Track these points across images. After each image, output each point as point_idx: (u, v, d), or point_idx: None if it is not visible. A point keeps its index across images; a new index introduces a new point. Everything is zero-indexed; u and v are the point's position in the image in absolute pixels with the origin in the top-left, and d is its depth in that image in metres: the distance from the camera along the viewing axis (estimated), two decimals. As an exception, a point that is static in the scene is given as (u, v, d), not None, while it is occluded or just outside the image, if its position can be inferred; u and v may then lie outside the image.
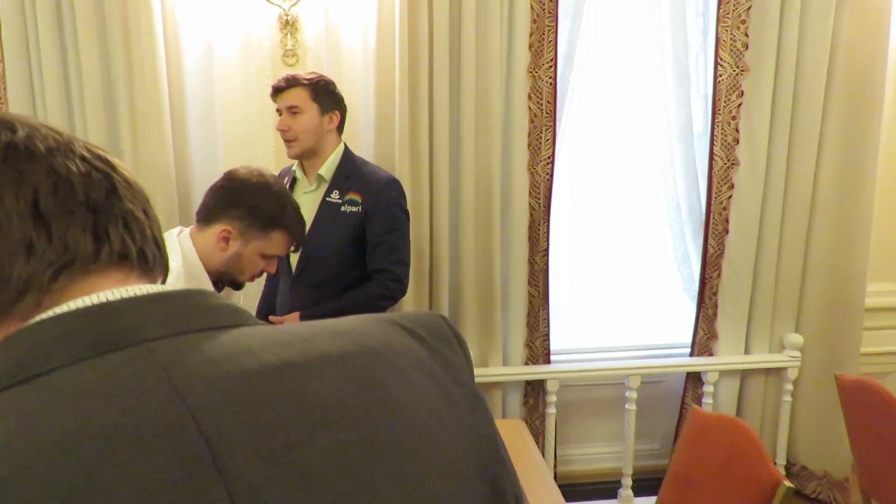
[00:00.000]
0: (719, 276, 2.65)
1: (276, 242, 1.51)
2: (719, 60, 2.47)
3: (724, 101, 2.51)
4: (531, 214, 2.52)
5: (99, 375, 0.41)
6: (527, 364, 2.62)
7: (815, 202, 2.61)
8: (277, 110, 2.04)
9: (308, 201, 2.04)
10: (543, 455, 2.63)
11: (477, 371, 2.51)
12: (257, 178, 1.49)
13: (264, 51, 2.39)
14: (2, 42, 2.16)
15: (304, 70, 2.41)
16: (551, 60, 2.40)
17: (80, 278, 0.46)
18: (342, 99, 2.07)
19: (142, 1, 2.19)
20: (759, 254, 2.61)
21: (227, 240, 1.45)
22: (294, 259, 2.07)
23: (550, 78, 2.41)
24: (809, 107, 2.51)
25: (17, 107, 2.20)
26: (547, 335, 2.62)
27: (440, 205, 2.43)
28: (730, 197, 2.58)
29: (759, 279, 2.63)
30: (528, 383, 2.66)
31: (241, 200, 1.46)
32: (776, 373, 2.71)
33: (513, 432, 1.98)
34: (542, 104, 2.43)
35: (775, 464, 2.69)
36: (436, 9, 2.29)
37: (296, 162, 2.12)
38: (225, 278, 1.52)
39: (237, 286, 1.56)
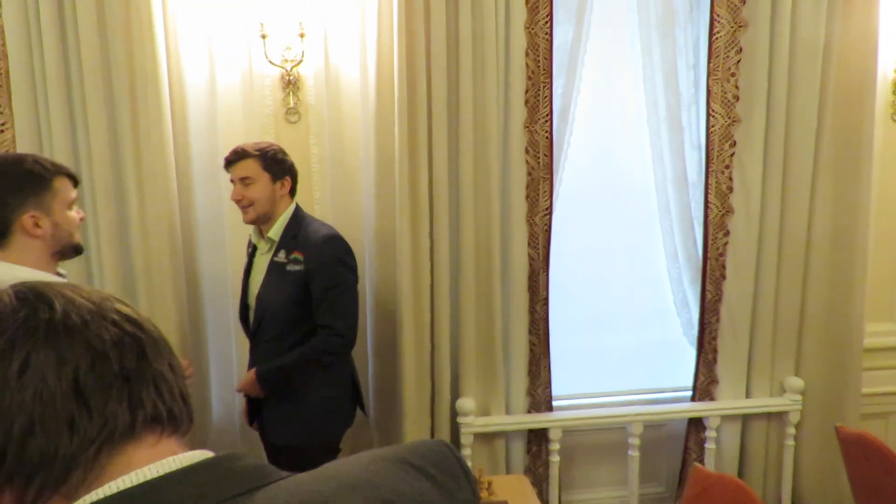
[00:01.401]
0: (718, 321, 2.67)
1: (64, 188, 1.50)
2: (711, 112, 2.54)
3: (717, 151, 2.56)
4: (530, 264, 2.55)
5: None
6: (529, 412, 2.64)
7: (810, 246, 2.65)
8: (231, 180, 2.12)
9: (262, 263, 2.16)
10: (548, 502, 2.63)
11: (479, 420, 2.53)
12: None
13: (267, 109, 2.46)
14: (12, 103, 2.22)
15: (307, 128, 2.49)
16: (547, 115, 2.46)
17: (118, 451, 0.50)
18: (292, 164, 2.16)
19: (149, 62, 2.25)
20: (757, 298, 2.64)
21: (37, 223, 1.44)
22: (252, 319, 2.20)
23: (546, 132, 2.47)
24: (801, 153, 2.57)
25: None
26: (549, 383, 2.64)
27: (441, 256, 2.46)
28: (726, 243, 2.62)
29: (757, 323, 2.66)
30: (532, 431, 2.66)
31: (7, 188, 1.43)
32: (778, 416, 2.72)
33: (515, 488, 1.99)
34: (539, 157, 2.49)
35: (780, 508, 2.70)
36: (434, 67, 2.36)
37: (252, 229, 2.21)
38: (67, 253, 1.53)
39: (79, 250, 1.58)
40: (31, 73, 2.20)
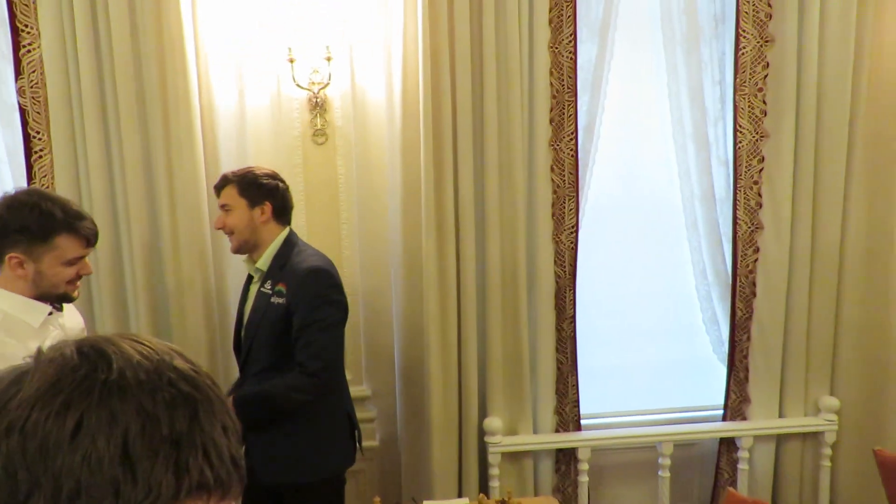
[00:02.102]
0: (749, 338, 2.63)
1: (66, 246, 1.51)
2: (738, 127, 2.51)
3: (745, 167, 2.54)
4: (557, 282, 2.54)
5: None
6: (557, 431, 2.61)
7: (843, 261, 2.60)
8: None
9: (254, 292, 2.09)
10: (577, 525, 2.59)
11: (507, 440, 2.51)
12: (9, 202, 1.50)
13: (295, 131, 2.49)
14: (50, 130, 2.28)
15: (334, 148, 2.52)
16: (572, 133, 2.46)
17: None
18: (274, 187, 2.06)
19: (181, 87, 2.30)
20: (789, 316, 2.59)
21: (20, 264, 1.48)
22: (243, 350, 2.12)
23: (571, 150, 2.47)
24: (832, 168, 2.53)
25: (63, 190, 2.30)
26: (577, 402, 2.61)
27: (467, 275, 2.47)
28: (755, 260, 2.58)
29: (789, 342, 2.61)
30: (560, 450, 2.64)
31: (7, 227, 1.47)
32: (813, 437, 2.66)
33: (546, 510, 1.97)
34: (564, 175, 2.49)
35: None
36: (459, 86, 2.38)
37: (246, 257, 2.14)
38: (49, 299, 1.55)
39: (67, 299, 1.59)
40: (69, 100, 2.26)
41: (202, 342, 2.38)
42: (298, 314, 1.96)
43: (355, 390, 2.60)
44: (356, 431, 2.18)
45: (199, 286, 2.38)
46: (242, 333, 2.14)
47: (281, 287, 2.00)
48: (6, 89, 2.29)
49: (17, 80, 2.24)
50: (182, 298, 2.35)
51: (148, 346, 0.55)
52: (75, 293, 1.60)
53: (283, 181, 2.11)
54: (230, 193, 2.03)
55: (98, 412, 0.49)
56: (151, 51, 2.25)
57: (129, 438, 0.49)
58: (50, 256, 1.49)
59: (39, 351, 0.55)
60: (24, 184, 2.30)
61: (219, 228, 2.08)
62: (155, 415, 0.51)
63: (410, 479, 2.57)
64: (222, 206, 2.05)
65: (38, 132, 2.27)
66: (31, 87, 2.25)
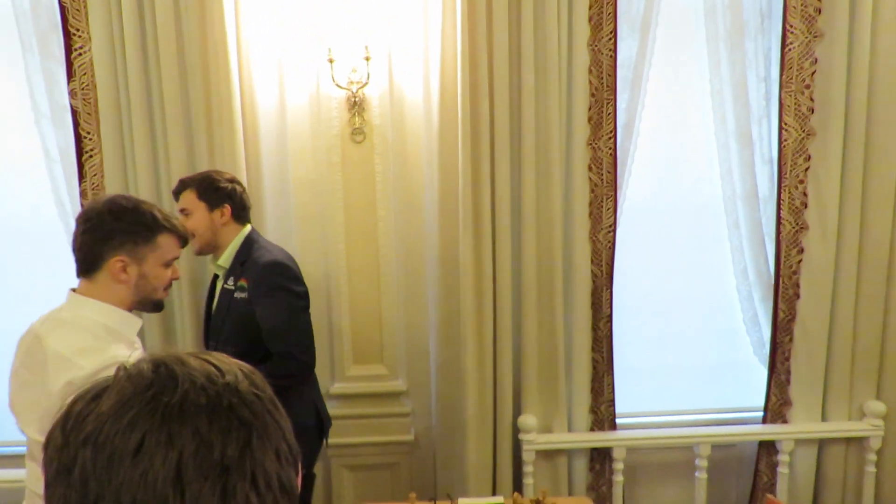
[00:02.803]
0: (791, 340, 2.57)
1: (167, 246, 1.52)
2: (784, 125, 2.45)
3: (791, 165, 2.47)
4: (594, 281, 2.53)
5: None
6: (592, 430, 2.61)
7: (892, 263, 2.52)
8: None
9: (218, 291, 2.16)
10: (611, 524, 2.59)
11: (541, 437, 2.52)
12: (109, 206, 1.48)
13: (334, 130, 2.53)
14: (100, 130, 2.36)
15: (372, 147, 2.54)
16: (611, 132, 2.43)
17: None
18: (232, 190, 2.10)
19: (223, 88, 2.34)
20: (834, 318, 2.53)
21: (124, 269, 1.46)
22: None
23: (610, 148, 2.44)
24: (882, 167, 2.45)
25: (112, 189, 2.38)
26: (612, 401, 2.60)
27: (503, 274, 2.47)
28: (800, 261, 2.52)
29: (834, 344, 2.55)
30: (595, 449, 2.63)
31: (113, 230, 1.46)
32: (857, 442, 2.60)
33: (580, 511, 1.97)
34: (602, 174, 2.46)
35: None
36: (496, 86, 2.37)
37: (210, 257, 2.18)
38: (145, 305, 1.54)
39: (159, 306, 1.58)
40: (118, 102, 2.34)
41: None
42: (263, 308, 2.01)
43: (391, 385, 2.65)
44: (324, 424, 2.23)
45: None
46: (212, 332, 2.18)
47: (243, 282, 2.06)
48: (59, 91, 2.37)
49: (69, 82, 2.33)
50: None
51: (217, 368, 0.58)
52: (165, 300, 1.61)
53: (240, 184, 2.17)
54: (189, 198, 2.06)
55: (158, 433, 0.53)
56: (195, 53, 2.31)
57: (183, 460, 0.52)
58: (153, 257, 1.49)
59: (121, 367, 0.59)
60: (75, 183, 2.38)
61: None
62: (209, 439, 0.53)
63: (445, 474, 2.60)
64: (182, 211, 2.07)
65: (88, 133, 2.35)
66: (83, 90, 2.33)
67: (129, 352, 1.37)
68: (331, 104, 2.51)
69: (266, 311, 2.01)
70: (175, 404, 0.54)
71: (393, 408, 2.66)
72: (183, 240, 1.58)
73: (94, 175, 2.37)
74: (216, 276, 2.23)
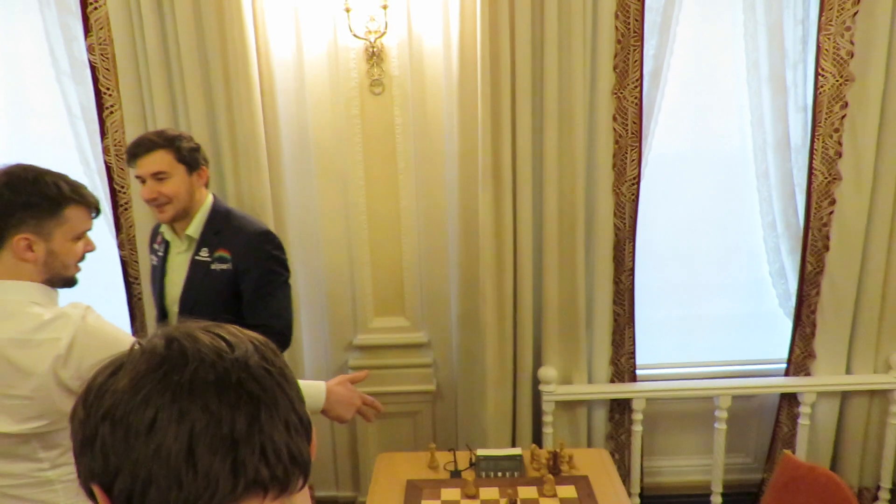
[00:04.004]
0: (818, 293, 2.53)
1: (76, 219, 1.37)
2: (820, 70, 2.33)
3: (826, 113, 2.37)
4: (616, 234, 2.50)
5: None
6: (612, 381, 2.63)
7: (928, 215, 2.44)
8: (137, 177, 1.90)
9: (180, 262, 1.99)
10: (629, 471, 2.65)
11: (561, 388, 2.56)
12: (5, 178, 1.32)
13: (352, 81, 2.48)
14: (119, 86, 2.36)
15: (391, 99, 2.50)
16: (637, 80, 2.35)
17: None
18: (203, 152, 1.97)
19: (238, 41, 2.30)
20: (864, 271, 2.47)
21: (29, 247, 1.31)
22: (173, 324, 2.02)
23: (636, 98, 2.37)
24: (924, 114, 2.33)
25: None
26: (633, 353, 2.61)
27: (524, 226, 2.45)
28: (831, 213, 2.45)
29: (862, 297, 2.50)
30: (615, 400, 2.66)
31: (11, 204, 1.30)
32: (881, 394, 2.58)
33: (596, 462, 2.01)
34: (627, 125, 2.39)
35: (879, 487, 2.59)
36: (518, 35, 2.30)
37: (165, 227, 2.02)
38: (56, 283, 1.39)
39: (71, 283, 1.43)
40: (135, 57, 2.32)
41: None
42: (251, 278, 1.93)
43: (413, 336, 2.69)
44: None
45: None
46: (170, 308, 2.03)
47: (223, 253, 1.94)
48: (77, 46, 2.37)
49: (86, 37, 2.31)
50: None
51: (228, 343, 0.60)
52: (78, 275, 1.45)
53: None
54: (166, 159, 1.87)
55: (170, 409, 0.55)
56: (211, 5, 2.27)
57: (194, 435, 0.55)
58: (61, 232, 1.35)
59: (137, 342, 0.62)
60: (97, 139, 2.40)
61: (151, 199, 1.89)
62: (218, 415, 0.56)
63: (465, 425, 2.67)
64: (155, 175, 1.87)
65: (108, 88, 2.35)
66: (100, 45, 2.31)
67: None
68: (348, 55, 2.46)
69: (255, 281, 1.93)
70: (185, 382, 0.56)
71: (415, 359, 2.71)
72: (95, 210, 1.43)
73: (116, 131, 2.38)
74: (165, 248, 2.04)
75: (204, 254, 1.95)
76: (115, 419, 0.56)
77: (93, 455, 0.57)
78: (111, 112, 2.38)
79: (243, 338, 0.63)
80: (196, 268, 1.95)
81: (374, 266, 2.64)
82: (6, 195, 1.29)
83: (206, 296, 1.93)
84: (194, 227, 1.96)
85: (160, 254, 2.06)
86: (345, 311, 2.69)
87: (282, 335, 1.96)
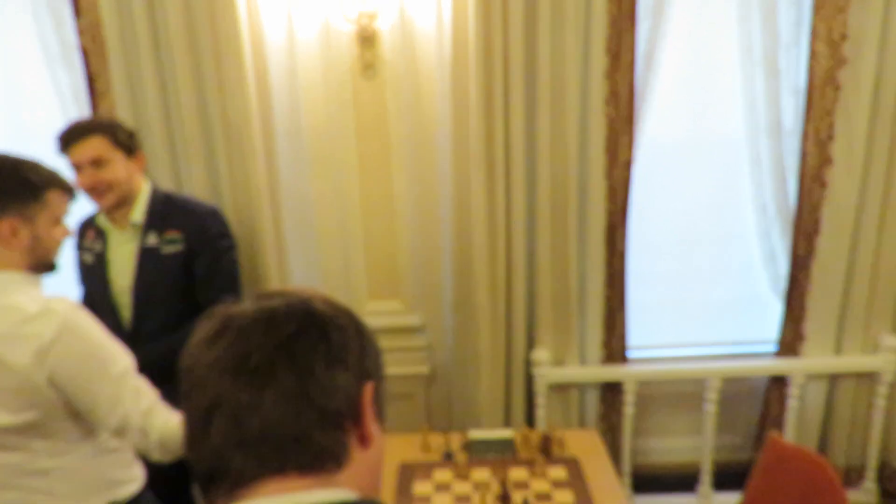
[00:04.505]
0: (808, 276, 2.55)
1: (57, 202, 1.39)
2: (814, 53, 2.33)
3: (819, 96, 2.37)
4: (608, 219, 2.51)
5: None
6: (604, 364, 2.66)
7: (919, 198, 2.45)
8: (73, 165, 1.82)
9: (125, 252, 1.93)
10: (620, 453, 2.69)
11: (553, 371, 2.59)
12: None
13: (344, 66, 2.47)
14: (108, 69, 2.35)
15: (383, 82, 2.49)
16: (630, 63, 2.35)
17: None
18: (137, 136, 1.93)
19: (230, 23, 2.28)
20: (854, 255, 2.49)
21: (15, 232, 1.31)
22: (125, 315, 1.94)
23: (629, 81, 2.36)
24: (917, 96, 2.33)
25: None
26: (624, 336, 2.64)
27: (516, 211, 2.46)
28: (822, 196, 2.46)
29: (852, 281, 2.52)
30: (606, 382, 2.69)
31: None
32: (869, 376, 2.61)
33: (587, 444, 2.05)
34: (619, 108, 2.39)
35: (865, 467, 2.64)
36: (510, 18, 2.28)
37: (99, 216, 1.96)
38: (39, 269, 1.39)
39: (52, 268, 1.43)
40: (124, 41, 2.31)
41: (271, 268, 2.48)
42: (204, 257, 1.94)
43: (406, 320, 2.71)
44: None
45: (257, 229, 2.46)
46: (119, 300, 1.96)
47: (174, 235, 1.92)
48: (66, 30, 2.35)
49: (76, 20, 2.29)
50: (242, 231, 2.45)
51: (340, 307, 0.72)
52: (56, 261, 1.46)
53: None
54: (103, 145, 1.80)
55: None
56: (200, -13, 2.25)
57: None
58: (44, 216, 1.36)
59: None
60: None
61: (90, 188, 1.83)
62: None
63: (460, 407, 2.70)
64: (93, 161, 1.81)
65: (98, 73, 2.34)
66: (90, 28, 2.30)
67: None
68: (341, 39, 2.44)
69: (207, 260, 1.96)
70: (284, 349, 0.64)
71: (409, 342, 2.74)
72: (71, 193, 1.44)
73: (104, 116, 2.37)
74: (99, 239, 1.97)
75: (152, 239, 1.92)
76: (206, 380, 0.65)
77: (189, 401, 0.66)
78: (103, 97, 2.37)
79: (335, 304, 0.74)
80: (146, 255, 1.92)
81: (367, 250, 2.65)
82: None
83: (159, 281, 1.91)
84: (138, 214, 1.91)
85: (96, 249, 1.98)
86: (339, 295, 2.66)
87: None
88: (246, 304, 0.68)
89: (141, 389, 1.37)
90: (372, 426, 0.67)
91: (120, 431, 1.35)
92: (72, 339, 1.28)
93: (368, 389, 0.68)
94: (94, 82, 2.35)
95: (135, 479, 1.50)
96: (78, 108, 2.42)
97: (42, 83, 2.45)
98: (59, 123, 2.40)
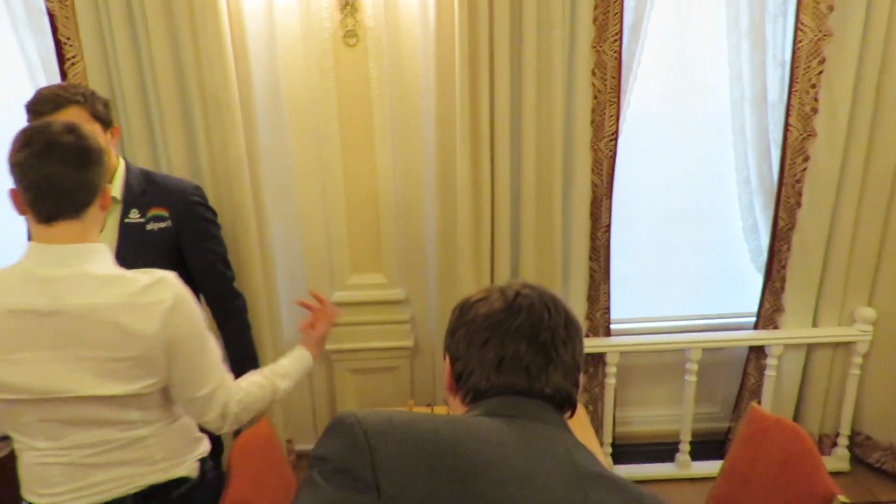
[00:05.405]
0: (789, 249, 2.58)
1: None
2: (800, 25, 2.32)
3: (804, 69, 2.36)
4: (593, 191, 2.50)
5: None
6: (587, 336, 2.68)
7: (898, 173, 2.48)
8: None
9: (106, 227, 1.84)
10: (602, 422, 2.73)
11: (538, 344, 2.58)
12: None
13: (325, 33, 2.40)
14: (80, 36, 2.25)
15: (365, 51, 2.42)
16: (617, 34, 2.31)
17: None
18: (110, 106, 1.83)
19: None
20: (834, 228, 2.52)
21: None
22: None
23: (615, 52, 2.33)
24: (899, 71, 2.34)
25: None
26: (608, 308, 2.65)
27: (501, 183, 2.43)
28: (804, 169, 2.47)
29: (831, 253, 2.56)
30: (589, 353, 2.72)
31: (97, 151, 1.27)
32: (845, 347, 2.67)
33: (572, 415, 2.06)
34: (606, 79, 2.37)
35: (838, 434, 2.71)
36: (496, -16, 2.23)
37: None
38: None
39: None
40: (96, 6, 2.21)
41: (253, 245, 2.44)
42: (193, 230, 1.92)
43: (390, 293, 2.70)
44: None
45: (237, 202, 2.41)
46: None
47: (159, 211, 1.88)
48: (32, -8, 2.24)
49: (42, -18, 2.19)
50: (221, 203, 2.39)
51: (549, 311, 0.91)
52: None
53: None
54: (79, 116, 1.67)
55: (495, 340, 0.90)
56: (174, -51, 2.15)
57: (504, 360, 0.89)
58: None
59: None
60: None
61: None
62: (524, 356, 0.89)
63: (442, 381, 2.70)
64: None
65: (68, 38, 2.25)
66: (57, -9, 2.19)
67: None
68: (321, 4, 2.37)
69: (199, 234, 1.93)
70: (512, 327, 0.90)
71: (393, 315, 2.73)
72: None
73: (78, 83, 2.28)
74: None
75: (134, 215, 1.85)
76: (468, 330, 0.92)
77: (452, 341, 0.94)
78: (73, 63, 2.28)
79: (560, 307, 0.93)
80: (128, 231, 1.84)
81: (350, 223, 2.62)
82: (92, 143, 1.24)
83: (143, 256, 1.82)
84: (116, 189, 1.83)
85: None
86: (322, 268, 2.68)
87: (232, 282, 2.06)
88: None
89: (224, 367, 1.39)
90: None
91: (202, 405, 1.35)
92: (184, 307, 1.27)
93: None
94: (63, 48, 2.25)
95: (202, 433, 1.51)
96: (46, 77, 2.33)
97: (8, 48, 2.34)
98: (27, 91, 2.34)
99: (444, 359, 0.96)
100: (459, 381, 0.91)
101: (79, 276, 1.21)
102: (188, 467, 1.40)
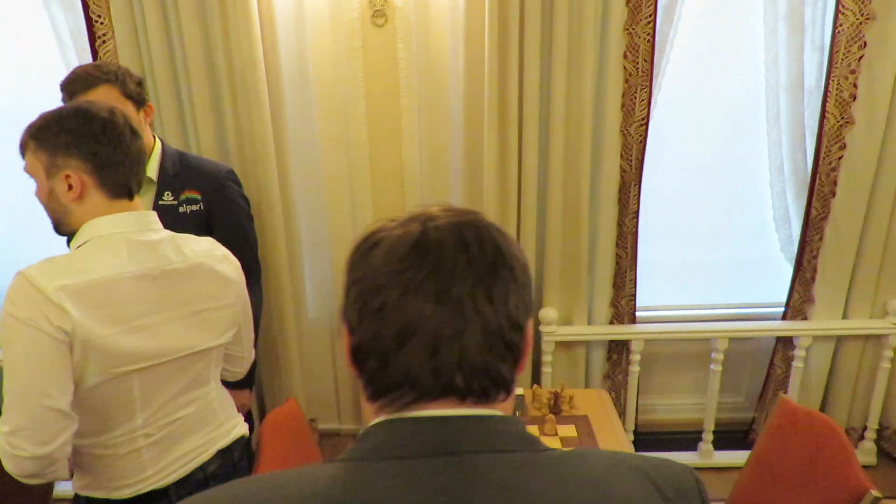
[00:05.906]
0: (821, 239, 2.53)
1: None
2: (841, 8, 2.25)
3: (843, 54, 2.30)
4: (622, 177, 2.46)
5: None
6: (612, 323, 2.66)
7: (938, 161, 2.41)
8: None
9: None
10: (625, 409, 2.71)
11: (561, 329, 2.58)
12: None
13: (353, 12, 2.38)
14: (111, 14, 2.26)
15: (394, 31, 2.40)
16: (650, 16, 2.26)
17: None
18: (145, 85, 1.82)
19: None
20: (868, 218, 2.46)
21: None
22: None
23: (648, 35, 2.28)
24: (944, 55, 2.26)
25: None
26: (633, 295, 2.62)
27: (528, 166, 2.41)
28: (840, 157, 2.41)
29: (865, 244, 2.50)
30: (613, 341, 2.70)
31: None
32: (875, 339, 2.62)
33: (596, 402, 2.05)
34: (637, 63, 2.32)
35: (866, 428, 2.67)
36: (528, -36, 2.19)
37: None
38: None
39: None
40: (126, -18, 2.22)
41: (278, 226, 2.45)
42: (226, 214, 1.92)
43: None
44: None
45: (262, 181, 2.42)
46: None
47: (192, 194, 1.88)
48: (64, -31, 2.25)
49: (73, -41, 2.19)
50: (248, 185, 2.40)
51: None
52: None
53: None
54: (112, 95, 1.66)
55: (396, 302, 0.61)
56: (204, -74, 2.14)
57: (407, 330, 0.60)
58: None
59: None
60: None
61: None
62: (433, 316, 0.61)
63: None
64: None
65: (99, 16, 2.25)
66: (88, -32, 2.20)
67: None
68: (350, -17, 2.35)
69: (233, 218, 1.95)
70: (418, 280, 0.61)
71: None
72: None
73: (112, 63, 2.29)
74: None
75: (168, 197, 1.86)
76: (361, 290, 0.63)
77: (346, 302, 0.65)
78: (104, 41, 2.29)
79: (487, 240, 0.65)
80: (162, 213, 1.84)
81: (375, 204, 2.61)
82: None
83: None
84: (151, 168, 1.83)
85: None
86: (347, 250, 2.67)
87: (257, 261, 2.12)
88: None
89: None
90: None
91: (248, 353, 1.49)
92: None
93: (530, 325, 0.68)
94: (94, 26, 2.26)
95: None
96: (77, 54, 2.34)
97: (39, 25, 2.35)
98: (59, 68, 2.36)
99: (340, 333, 0.70)
100: (356, 364, 0.65)
101: (169, 238, 1.29)
102: (242, 425, 1.46)
